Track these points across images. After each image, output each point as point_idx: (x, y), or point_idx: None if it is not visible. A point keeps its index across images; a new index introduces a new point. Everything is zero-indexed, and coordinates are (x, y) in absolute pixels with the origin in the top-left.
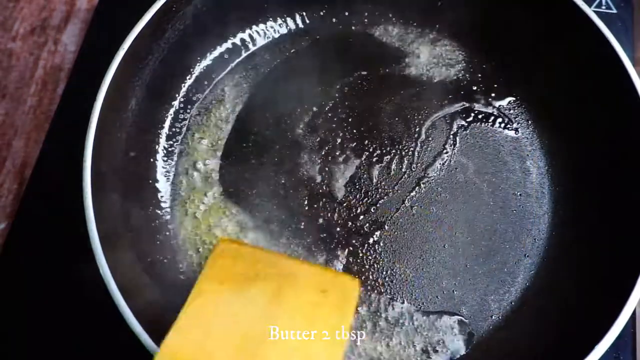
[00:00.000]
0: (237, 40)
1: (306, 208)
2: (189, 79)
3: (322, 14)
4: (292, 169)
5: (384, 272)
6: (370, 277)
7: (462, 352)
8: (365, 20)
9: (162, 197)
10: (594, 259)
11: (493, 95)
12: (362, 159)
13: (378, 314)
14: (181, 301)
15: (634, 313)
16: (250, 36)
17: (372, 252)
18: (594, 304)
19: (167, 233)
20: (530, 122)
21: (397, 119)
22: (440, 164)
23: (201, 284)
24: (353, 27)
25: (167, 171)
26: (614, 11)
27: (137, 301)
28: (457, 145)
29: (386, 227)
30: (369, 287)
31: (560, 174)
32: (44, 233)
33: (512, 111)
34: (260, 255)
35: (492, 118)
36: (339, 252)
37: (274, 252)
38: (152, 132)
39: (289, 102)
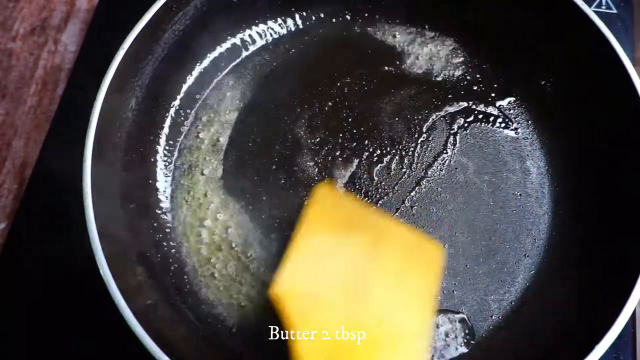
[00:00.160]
0: (237, 41)
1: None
2: (189, 79)
3: (322, 14)
4: (292, 169)
5: None
6: None
7: (462, 351)
8: (365, 20)
9: (162, 196)
10: (594, 259)
11: (493, 95)
12: (362, 158)
13: None
14: (182, 301)
15: (634, 313)
16: (250, 36)
17: None
18: (594, 304)
19: (168, 233)
20: (530, 122)
21: (397, 118)
22: (440, 164)
23: (305, 225)
24: (353, 27)
25: (167, 171)
26: (614, 11)
27: (137, 301)
28: (457, 145)
29: None
30: None
31: (560, 174)
32: (44, 233)
33: (512, 111)
34: (356, 206)
35: (492, 118)
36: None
37: (366, 206)
38: (152, 132)
39: (289, 102)
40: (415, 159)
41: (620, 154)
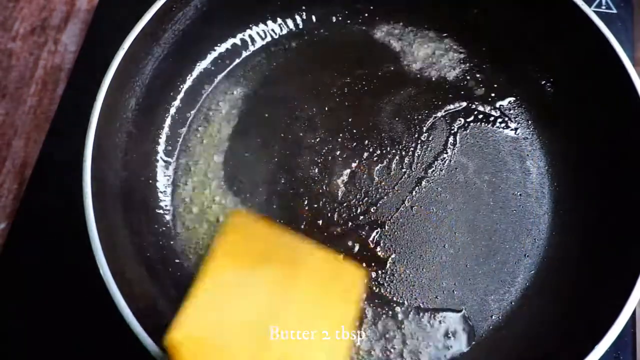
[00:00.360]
0: (237, 41)
1: (306, 208)
2: (189, 79)
3: (321, 14)
4: (292, 169)
5: (384, 272)
6: (370, 276)
7: (462, 351)
8: (365, 20)
9: (162, 196)
10: (594, 259)
11: (493, 95)
12: (362, 158)
13: (378, 314)
14: (182, 301)
15: (634, 313)
16: (250, 36)
17: (371, 252)
18: (594, 304)
19: (168, 232)
20: (530, 122)
21: (397, 119)
22: (440, 164)
23: (212, 261)
24: (353, 27)
25: (168, 171)
26: (614, 11)
27: (137, 301)
28: (457, 145)
29: (386, 227)
30: (368, 287)
31: (560, 174)
32: (44, 233)
33: (512, 111)
34: (273, 233)
35: (492, 118)
36: (339, 252)
37: (285, 229)
38: (152, 131)
39: (289, 102)
40: (416, 159)
41: (620, 154)
